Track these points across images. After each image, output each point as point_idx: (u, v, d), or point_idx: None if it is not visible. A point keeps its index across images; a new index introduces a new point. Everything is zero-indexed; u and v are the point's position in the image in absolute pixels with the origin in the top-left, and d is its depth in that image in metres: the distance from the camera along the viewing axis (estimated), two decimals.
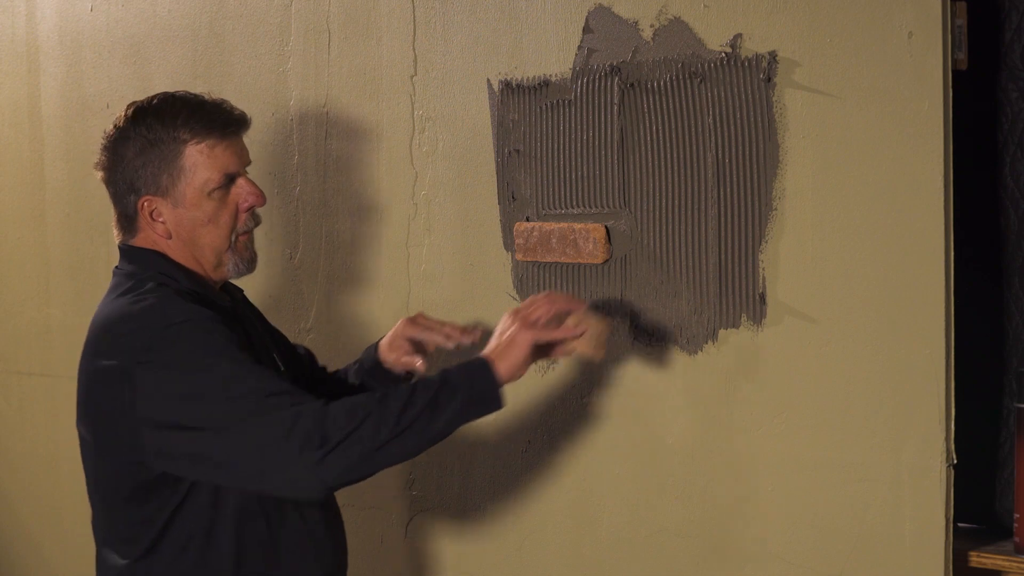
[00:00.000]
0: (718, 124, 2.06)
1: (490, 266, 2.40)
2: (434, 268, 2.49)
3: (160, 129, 2.01)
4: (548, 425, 2.34)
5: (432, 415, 1.88)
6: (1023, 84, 1.96)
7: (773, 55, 1.99)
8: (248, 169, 2.08)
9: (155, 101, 2.05)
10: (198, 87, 2.89)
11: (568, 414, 2.31)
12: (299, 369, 2.26)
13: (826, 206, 1.96)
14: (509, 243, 2.37)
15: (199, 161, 2.01)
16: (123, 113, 2.05)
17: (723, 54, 2.05)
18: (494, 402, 1.92)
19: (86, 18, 3.14)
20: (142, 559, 2.00)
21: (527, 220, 2.33)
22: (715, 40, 2.06)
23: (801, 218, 1.99)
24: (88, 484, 2.12)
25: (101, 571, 2.08)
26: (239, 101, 2.86)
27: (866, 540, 1.96)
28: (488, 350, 1.97)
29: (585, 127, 2.24)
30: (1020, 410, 1.95)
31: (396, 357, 2.21)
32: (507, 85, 2.34)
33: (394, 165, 2.53)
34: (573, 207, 2.26)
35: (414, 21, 2.49)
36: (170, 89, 2.96)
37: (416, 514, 2.54)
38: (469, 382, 1.91)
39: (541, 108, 2.29)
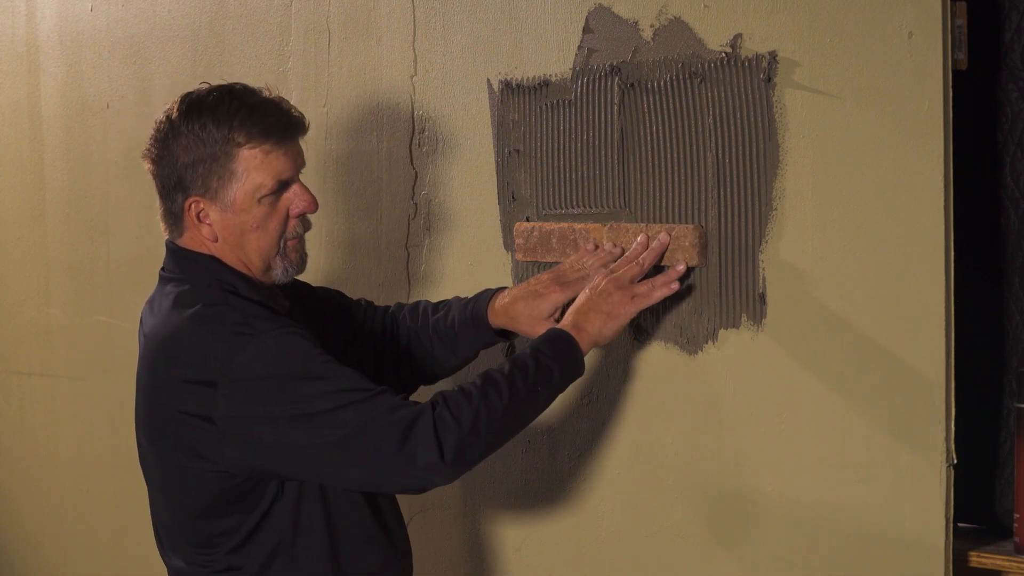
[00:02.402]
0: (718, 124, 2.06)
1: (490, 266, 2.40)
2: (434, 268, 2.49)
3: (214, 129, 1.91)
4: (548, 425, 2.34)
5: (535, 404, 1.94)
6: (1023, 84, 1.96)
7: (773, 55, 1.99)
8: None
9: (211, 96, 1.95)
10: None
11: (568, 414, 2.31)
12: (366, 350, 2.23)
13: (826, 206, 1.96)
14: (509, 243, 2.37)
15: (252, 166, 1.92)
16: (175, 104, 1.96)
17: (723, 54, 2.05)
18: (580, 372, 2.00)
19: (86, 18, 3.14)
20: (223, 573, 1.96)
21: (527, 220, 2.33)
22: (715, 40, 2.06)
23: (801, 218, 1.99)
24: (155, 493, 2.05)
25: None
26: None
27: (866, 540, 1.96)
28: (577, 318, 2.00)
29: (585, 127, 2.24)
30: (1020, 410, 1.95)
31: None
32: (507, 85, 2.34)
33: (394, 165, 2.53)
34: (573, 207, 2.26)
35: (414, 21, 2.49)
36: (173, 88, 2.97)
37: (416, 514, 2.53)
38: (563, 363, 1.96)
39: (541, 108, 2.29)
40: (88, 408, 3.26)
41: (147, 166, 1.99)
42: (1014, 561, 1.93)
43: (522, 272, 2.34)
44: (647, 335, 2.19)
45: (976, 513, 2.03)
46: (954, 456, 1.88)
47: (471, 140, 2.41)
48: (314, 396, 1.83)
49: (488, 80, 2.37)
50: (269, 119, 1.94)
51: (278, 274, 2.00)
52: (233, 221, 1.95)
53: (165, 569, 3.15)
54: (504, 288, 2.20)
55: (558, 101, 2.27)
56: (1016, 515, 1.94)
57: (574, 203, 2.26)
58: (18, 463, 3.48)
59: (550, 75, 2.28)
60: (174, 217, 1.99)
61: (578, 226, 2.23)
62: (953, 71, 1.87)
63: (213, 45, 2.87)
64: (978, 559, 1.94)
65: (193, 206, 1.96)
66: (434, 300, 2.37)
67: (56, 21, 3.22)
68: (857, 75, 1.92)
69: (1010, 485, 1.99)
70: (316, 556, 1.97)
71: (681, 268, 2.07)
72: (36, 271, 3.35)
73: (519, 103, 2.33)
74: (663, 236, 2.09)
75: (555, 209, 2.29)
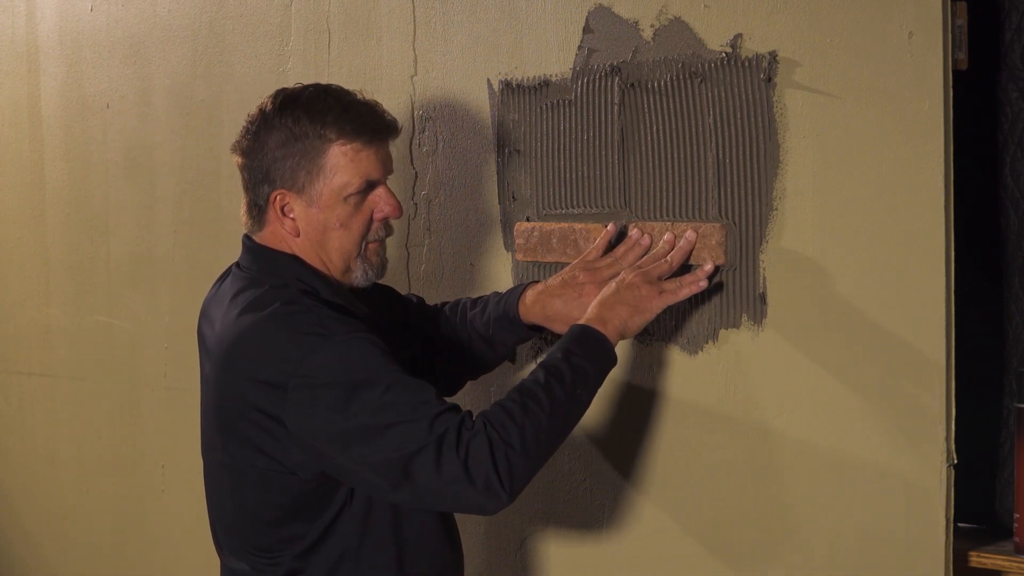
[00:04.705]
0: (718, 124, 2.06)
1: (490, 266, 2.40)
2: (434, 268, 2.49)
3: (307, 123, 1.93)
4: None
5: (576, 408, 1.91)
6: (1023, 84, 1.96)
7: (773, 55, 1.99)
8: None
9: (307, 92, 1.97)
10: (198, 87, 2.90)
11: None
12: (419, 348, 2.22)
13: (826, 206, 1.96)
14: (509, 243, 2.37)
15: (341, 163, 1.94)
16: (269, 99, 1.97)
17: (723, 54, 2.05)
18: (614, 362, 1.97)
19: (86, 18, 3.14)
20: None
21: (527, 220, 2.33)
22: (715, 40, 2.06)
23: (801, 218, 1.99)
24: (221, 494, 2.03)
25: None
26: (239, 101, 2.87)
27: (866, 540, 1.96)
28: (603, 310, 1.97)
29: (585, 127, 2.24)
30: (1020, 410, 1.95)
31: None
32: (507, 85, 2.34)
33: (394, 165, 2.53)
34: (574, 207, 2.26)
35: (414, 21, 2.49)
36: (173, 88, 2.97)
37: None
38: (595, 360, 1.93)
39: (541, 108, 2.29)
40: (88, 408, 3.26)
41: (236, 159, 2.00)
42: (1014, 561, 1.93)
43: (522, 272, 2.34)
44: (647, 335, 2.19)
45: (976, 513, 2.03)
46: (954, 456, 1.88)
47: (471, 140, 2.41)
48: (380, 408, 1.81)
49: (488, 80, 2.37)
50: (362, 118, 1.96)
51: (358, 276, 2.00)
52: (317, 217, 1.96)
53: (165, 569, 3.15)
54: (535, 282, 2.19)
55: (558, 101, 2.27)
56: (1016, 515, 1.95)
57: (574, 203, 2.26)
58: (18, 463, 3.48)
59: (550, 75, 2.28)
60: (258, 210, 1.99)
61: (579, 226, 2.23)
62: (953, 71, 1.87)
63: (213, 45, 2.87)
64: (978, 559, 1.94)
65: (278, 199, 1.96)
66: (435, 300, 2.38)
67: (56, 21, 3.22)
68: (857, 75, 1.92)
69: (1010, 485, 1.99)
70: (381, 564, 1.97)
71: (709, 267, 2.05)
72: (36, 271, 3.35)
73: (519, 103, 2.33)
74: (690, 234, 2.07)
75: (555, 209, 2.29)
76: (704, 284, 2.04)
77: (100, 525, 3.27)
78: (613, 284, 2.02)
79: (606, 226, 2.17)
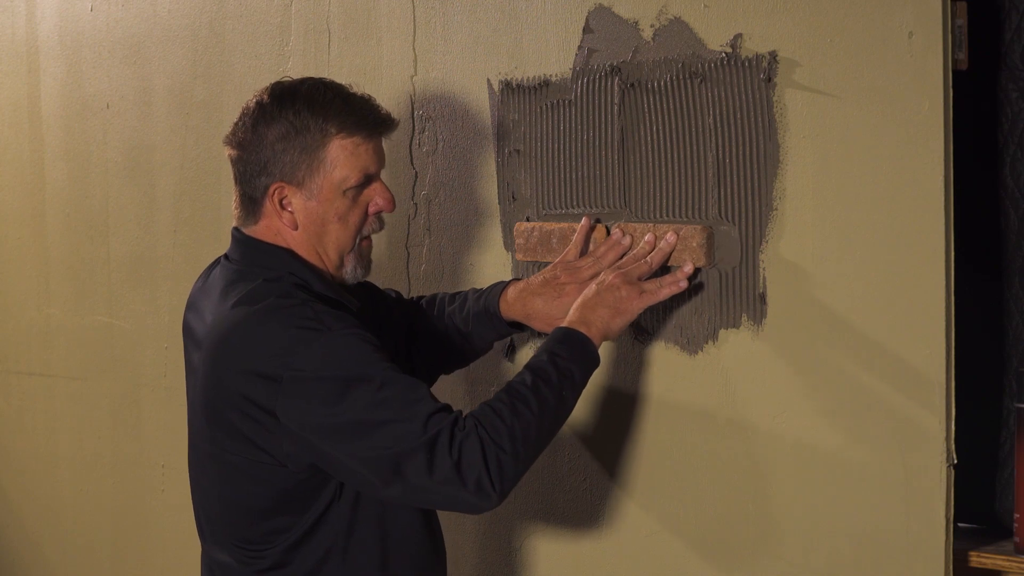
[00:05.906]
0: (718, 124, 2.06)
1: (490, 266, 2.40)
2: (434, 268, 2.49)
3: (309, 117, 1.94)
4: None
5: (563, 410, 1.92)
6: (1023, 84, 1.96)
7: (773, 55, 1.99)
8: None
9: (305, 86, 1.98)
10: (198, 87, 2.90)
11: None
12: (399, 343, 2.23)
13: (826, 206, 1.96)
14: (509, 243, 2.37)
15: (341, 157, 1.95)
16: (265, 92, 1.98)
17: (723, 54, 2.05)
18: (597, 363, 1.99)
19: (86, 18, 3.14)
20: (271, 571, 1.96)
21: (527, 220, 2.33)
22: (715, 40, 2.06)
23: (801, 218, 1.99)
24: (208, 486, 2.02)
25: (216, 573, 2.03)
26: (239, 101, 2.87)
27: (866, 540, 1.96)
28: (584, 312, 1.98)
29: (585, 127, 2.24)
30: (1020, 410, 1.95)
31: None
32: (507, 85, 2.34)
33: (394, 165, 2.53)
34: (573, 207, 2.26)
35: (414, 21, 2.49)
36: (173, 88, 2.98)
37: None
38: (580, 363, 1.93)
39: (541, 108, 2.29)
40: (87, 408, 3.26)
41: (229, 151, 2.00)
42: (1014, 561, 1.93)
43: (522, 272, 2.34)
44: (648, 335, 2.19)
45: (976, 513, 2.03)
46: (954, 456, 1.88)
47: (471, 140, 2.41)
48: (374, 404, 1.81)
49: (488, 80, 2.37)
50: (362, 112, 1.98)
51: (348, 271, 2.02)
52: (317, 210, 1.97)
53: (165, 569, 3.15)
54: (516, 280, 2.20)
55: (558, 101, 2.27)
56: (1016, 515, 1.95)
57: (574, 203, 2.26)
58: (18, 463, 3.48)
59: (550, 75, 2.28)
60: (252, 203, 2.00)
61: (579, 226, 2.22)
62: (953, 71, 1.87)
63: (213, 45, 2.87)
64: (978, 559, 1.94)
65: (276, 192, 1.97)
66: None
67: (56, 21, 3.22)
68: (857, 75, 1.92)
69: (1010, 485, 1.99)
70: (365, 562, 1.97)
71: (688, 269, 2.07)
72: (36, 271, 3.35)
73: (519, 103, 2.33)
74: (670, 236, 2.08)
75: (555, 209, 2.29)
76: (684, 285, 2.06)
77: (100, 525, 3.27)
78: (594, 286, 2.03)
79: (591, 222, 2.19)
